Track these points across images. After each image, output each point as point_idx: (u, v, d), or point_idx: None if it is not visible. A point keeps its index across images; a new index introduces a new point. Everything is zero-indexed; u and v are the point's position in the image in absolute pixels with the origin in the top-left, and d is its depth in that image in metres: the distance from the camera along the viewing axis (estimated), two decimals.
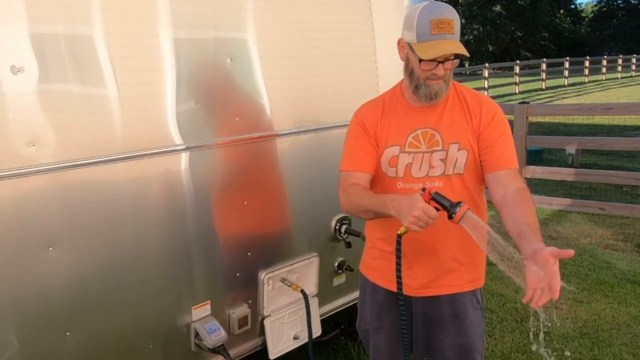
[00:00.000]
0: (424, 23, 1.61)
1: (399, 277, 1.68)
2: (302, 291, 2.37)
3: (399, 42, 1.75)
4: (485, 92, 19.11)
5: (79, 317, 1.82)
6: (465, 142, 1.74)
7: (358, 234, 2.49)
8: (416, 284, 1.83)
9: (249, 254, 2.29)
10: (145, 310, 1.99)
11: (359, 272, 2.02)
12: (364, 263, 2.00)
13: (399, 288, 1.69)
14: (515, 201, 1.62)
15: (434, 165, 1.74)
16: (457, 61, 1.68)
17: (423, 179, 1.75)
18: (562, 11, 45.46)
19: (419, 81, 1.70)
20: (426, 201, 1.53)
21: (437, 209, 1.53)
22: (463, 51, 1.60)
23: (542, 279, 1.38)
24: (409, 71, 1.73)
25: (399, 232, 1.64)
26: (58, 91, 1.71)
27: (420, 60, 1.65)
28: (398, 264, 1.67)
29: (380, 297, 1.92)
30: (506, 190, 1.66)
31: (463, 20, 39.72)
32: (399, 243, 1.66)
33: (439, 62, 1.64)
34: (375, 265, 1.93)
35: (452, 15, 1.63)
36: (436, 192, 1.56)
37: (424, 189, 1.58)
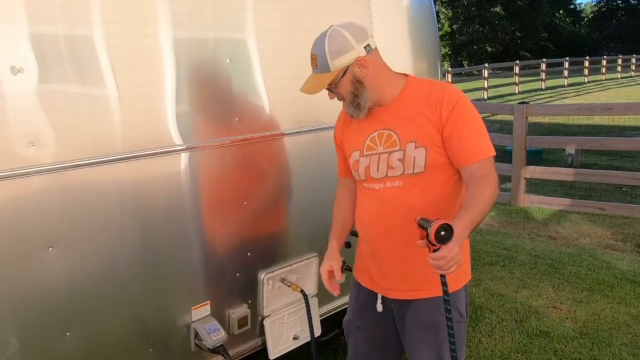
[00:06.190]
0: None
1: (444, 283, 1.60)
2: (302, 291, 2.37)
3: None
4: (485, 93, 19.08)
5: (79, 318, 1.82)
6: (423, 140, 1.70)
7: (358, 235, 2.48)
8: (387, 284, 1.84)
9: (249, 254, 2.30)
10: (146, 311, 1.99)
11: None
12: (355, 265, 2.03)
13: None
14: (473, 187, 1.66)
15: (393, 166, 1.74)
16: (333, 92, 1.78)
17: (383, 180, 1.77)
18: (561, 11, 45.50)
19: None
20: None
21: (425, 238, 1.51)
22: (309, 91, 1.76)
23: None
24: None
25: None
26: (58, 92, 1.72)
27: None
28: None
29: (361, 297, 1.95)
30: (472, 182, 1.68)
31: (461, 22, 39.65)
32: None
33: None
34: (358, 265, 1.98)
35: (315, 51, 1.75)
36: (421, 219, 1.53)
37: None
